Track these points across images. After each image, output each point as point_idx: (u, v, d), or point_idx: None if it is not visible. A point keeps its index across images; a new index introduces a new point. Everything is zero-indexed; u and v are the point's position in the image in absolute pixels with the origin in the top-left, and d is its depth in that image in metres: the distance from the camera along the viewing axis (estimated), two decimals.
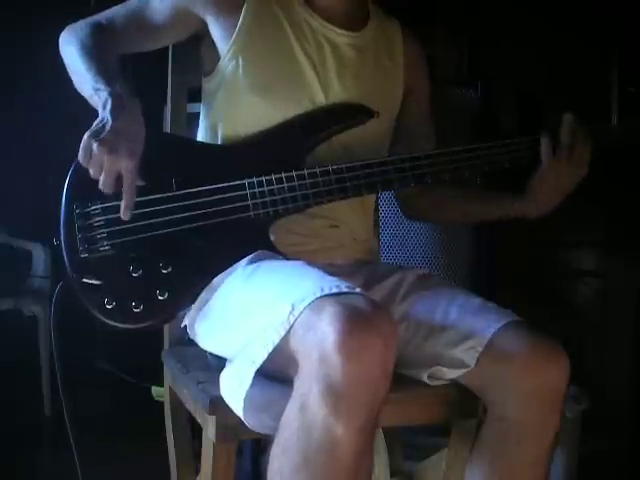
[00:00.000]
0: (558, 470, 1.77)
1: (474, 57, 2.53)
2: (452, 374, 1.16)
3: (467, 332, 1.15)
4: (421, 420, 1.23)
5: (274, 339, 0.98)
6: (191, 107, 1.45)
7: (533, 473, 1.13)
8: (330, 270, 1.16)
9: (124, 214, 1.15)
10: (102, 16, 1.31)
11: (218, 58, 1.30)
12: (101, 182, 1.12)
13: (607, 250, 2.24)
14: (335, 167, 1.23)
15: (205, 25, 1.31)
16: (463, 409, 1.19)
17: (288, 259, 1.20)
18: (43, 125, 2.73)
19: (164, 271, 1.17)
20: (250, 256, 1.17)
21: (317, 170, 1.22)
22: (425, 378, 1.17)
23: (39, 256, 2.59)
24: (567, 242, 2.27)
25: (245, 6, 1.29)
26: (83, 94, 1.22)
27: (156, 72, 1.48)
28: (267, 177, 1.21)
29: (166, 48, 1.41)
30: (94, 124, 1.13)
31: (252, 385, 1.00)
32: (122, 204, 1.14)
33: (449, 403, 1.20)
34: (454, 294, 1.24)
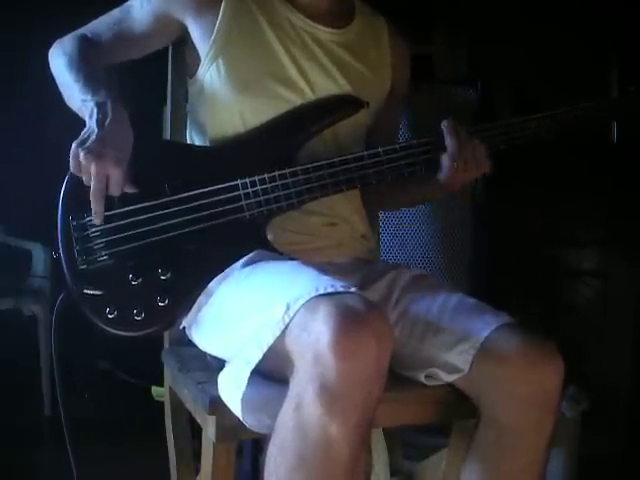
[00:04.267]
0: (557, 470, 1.77)
1: (473, 56, 2.52)
2: (448, 378, 1.15)
3: (460, 335, 1.15)
4: (420, 420, 1.23)
5: (269, 339, 0.98)
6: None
7: (528, 475, 1.12)
8: (329, 269, 1.16)
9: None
10: (87, 29, 1.33)
11: (200, 60, 1.31)
12: (92, 190, 1.13)
13: (608, 250, 2.24)
14: (327, 162, 1.23)
15: (185, 28, 1.32)
16: (462, 409, 1.19)
17: (286, 258, 1.20)
18: (43, 125, 2.73)
19: (163, 277, 1.17)
20: (246, 257, 1.18)
21: (309, 166, 1.23)
22: (422, 379, 1.17)
23: (39, 256, 2.59)
24: (567, 242, 2.27)
25: (222, 6, 1.29)
26: (72, 107, 1.24)
27: (156, 72, 1.48)
28: (260, 176, 1.21)
29: (166, 48, 1.41)
30: (81, 133, 1.14)
31: (250, 385, 1.00)
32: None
33: (448, 403, 1.19)
34: (448, 295, 1.24)
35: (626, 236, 2.18)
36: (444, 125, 1.25)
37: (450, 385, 1.17)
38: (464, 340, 1.14)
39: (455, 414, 1.22)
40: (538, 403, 1.10)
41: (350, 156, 1.24)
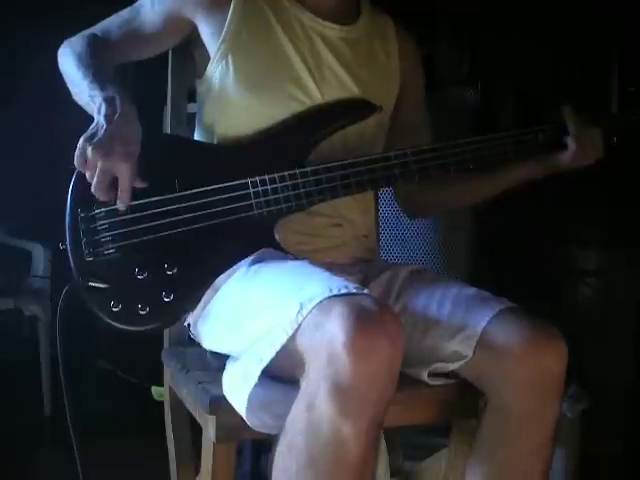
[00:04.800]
0: (558, 470, 1.77)
1: (474, 56, 2.52)
2: (451, 367, 1.16)
3: (462, 323, 1.15)
4: (421, 420, 1.23)
5: (282, 338, 0.98)
6: (191, 107, 1.45)
7: (535, 460, 1.13)
8: (332, 268, 1.16)
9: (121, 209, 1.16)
10: (97, 28, 1.34)
11: (209, 59, 1.31)
12: (93, 185, 1.13)
13: (608, 249, 2.24)
14: (338, 164, 1.23)
15: (195, 28, 1.32)
16: (463, 409, 1.19)
17: (293, 257, 1.20)
18: (44, 125, 2.73)
19: (169, 273, 1.17)
20: (254, 255, 1.18)
21: (320, 167, 1.22)
22: (425, 377, 1.17)
23: (39, 256, 2.59)
24: (568, 241, 2.27)
25: (232, 4, 1.29)
26: (81, 104, 1.24)
27: (156, 72, 1.48)
28: (270, 176, 1.21)
29: None
30: (89, 128, 1.14)
31: (255, 384, 1.00)
32: (118, 205, 1.15)
33: (449, 403, 1.20)
34: (448, 286, 1.24)
35: (627, 236, 2.18)
36: (566, 110, 1.30)
37: (452, 384, 1.17)
38: (466, 327, 1.14)
39: (456, 414, 1.22)
40: (542, 386, 1.10)
41: (361, 159, 1.24)
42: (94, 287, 1.16)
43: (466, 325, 1.15)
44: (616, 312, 2.21)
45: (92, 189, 1.13)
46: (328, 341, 0.92)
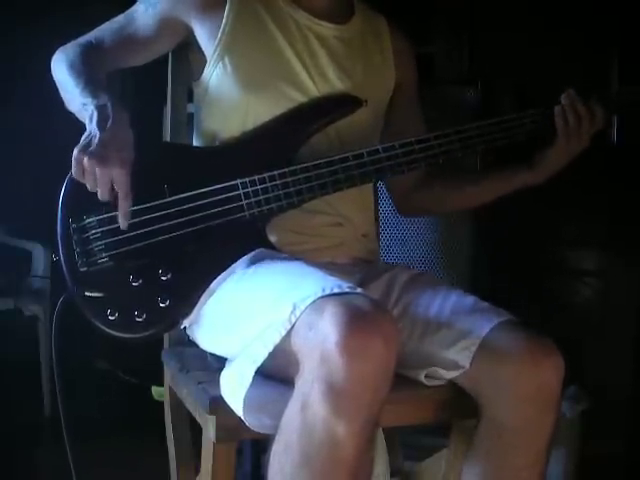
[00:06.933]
0: (558, 470, 1.77)
1: (474, 56, 2.53)
2: (448, 375, 1.16)
3: (461, 332, 1.15)
4: (420, 420, 1.23)
5: (275, 338, 0.98)
6: (191, 107, 1.45)
7: (529, 473, 1.12)
8: (330, 268, 1.16)
9: (122, 223, 1.15)
10: (91, 35, 1.33)
11: (205, 62, 1.31)
12: (99, 194, 1.12)
13: (608, 249, 2.24)
14: (326, 160, 1.23)
15: (191, 31, 1.32)
16: (462, 409, 1.19)
17: (289, 257, 1.20)
18: (44, 125, 2.73)
19: (164, 278, 1.17)
20: (249, 256, 1.18)
21: (309, 165, 1.22)
22: (422, 378, 1.17)
23: (39, 256, 2.59)
24: (567, 241, 2.27)
25: (227, 6, 1.29)
26: (72, 110, 1.24)
27: (156, 72, 1.48)
28: (259, 176, 1.21)
29: None
30: (82, 138, 1.13)
31: (252, 385, 1.00)
32: (119, 213, 1.15)
33: (448, 403, 1.19)
34: (448, 293, 1.24)
35: (626, 236, 2.18)
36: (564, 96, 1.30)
37: (450, 384, 1.17)
38: (465, 337, 1.14)
39: (455, 414, 1.22)
40: (539, 400, 1.10)
41: (349, 154, 1.24)
42: (90, 297, 1.16)
43: (464, 335, 1.14)
44: (615, 313, 2.21)
45: (99, 197, 1.12)
46: (321, 341, 0.92)
